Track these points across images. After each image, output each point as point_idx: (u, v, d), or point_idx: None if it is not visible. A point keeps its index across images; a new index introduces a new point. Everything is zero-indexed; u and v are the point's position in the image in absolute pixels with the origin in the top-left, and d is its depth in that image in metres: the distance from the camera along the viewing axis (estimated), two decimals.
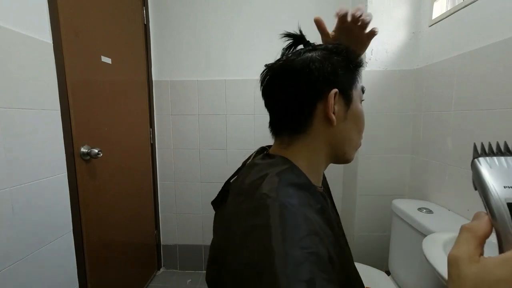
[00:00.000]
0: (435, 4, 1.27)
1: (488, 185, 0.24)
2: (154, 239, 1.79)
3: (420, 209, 1.13)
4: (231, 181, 0.47)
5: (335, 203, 0.56)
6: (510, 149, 0.26)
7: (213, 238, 0.43)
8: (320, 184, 0.47)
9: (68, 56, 1.01)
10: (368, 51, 1.36)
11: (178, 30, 1.66)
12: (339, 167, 1.67)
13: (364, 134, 0.48)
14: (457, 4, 1.12)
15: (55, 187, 0.96)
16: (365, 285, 0.49)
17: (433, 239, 0.85)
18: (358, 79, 0.45)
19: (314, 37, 0.51)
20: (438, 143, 1.20)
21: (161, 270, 1.86)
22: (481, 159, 0.26)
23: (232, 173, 0.49)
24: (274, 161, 0.42)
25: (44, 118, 0.91)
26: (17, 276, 0.82)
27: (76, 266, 1.06)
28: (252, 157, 0.49)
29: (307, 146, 0.44)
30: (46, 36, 0.91)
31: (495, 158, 0.26)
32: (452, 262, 0.24)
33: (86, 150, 1.10)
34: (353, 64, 0.44)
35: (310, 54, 0.42)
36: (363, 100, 0.48)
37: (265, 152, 0.49)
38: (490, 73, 0.93)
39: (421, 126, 1.34)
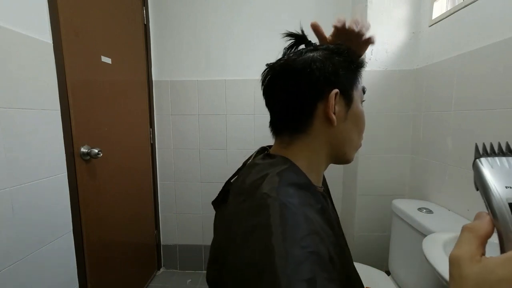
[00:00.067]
0: (435, 4, 1.27)
1: (489, 185, 0.24)
2: (154, 239, 1.79)
3: (420, 209, 1.13)
4: (231, 181, 0.47)
5: (335, 203, 0.56)
6: None
7: (213, 238, 0.43)
8: (321, 184, 0.47)
9: (68, 56, 1.01)
10: (368, 51, 1.35)
11: (178, 30, 1.66)
12: (339, 167, 1.67)
13: (364, 134, 0.48)
14: (457, 4, 1.12)
15: (55, 187, 0.96)
16: (365, 285, 0.49)
17: (433, 239, 0.85)
18: (359, 79, 0.45)
19: (315, 37, 0.51)
20: (438, 143, 1.20)
21: (161, 270, 1.86)
22: (483, 159, 0.26)
23: (232, 173, 0.49)
24: (275, 161, 0.42)
25: (44, 118, 0.91)
26: (17, 276, 0.82)
27: (76, 266, 1.06)
28: (252, 157, 0.49)
29: (308, 146, 0.44)
30: (46, 36, 0.91)
31: (496, 158, 0.26)
32: (453, 262, 0.24)
33: (86, 150, 1.10)
34: (354, 64, 0.44)
35: (311, 54, 0.42)
36: (364, 100, 0.48)
37: (266, 152, 0.49)
38: (490, 73, 0.93)
39: (421, 126, 1.34)
